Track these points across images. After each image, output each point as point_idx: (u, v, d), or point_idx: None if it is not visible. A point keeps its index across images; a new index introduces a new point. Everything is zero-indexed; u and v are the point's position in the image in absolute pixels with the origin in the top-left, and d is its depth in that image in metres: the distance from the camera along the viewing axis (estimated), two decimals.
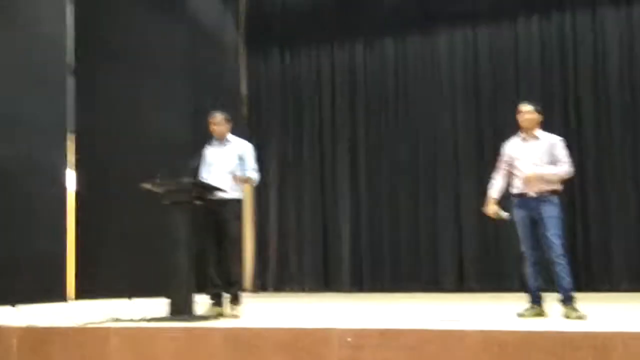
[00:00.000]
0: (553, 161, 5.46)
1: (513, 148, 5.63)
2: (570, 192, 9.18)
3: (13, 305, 7.02)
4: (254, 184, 6.19)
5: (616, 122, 9.63)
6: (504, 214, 5.56)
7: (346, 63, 11.19)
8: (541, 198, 5.39)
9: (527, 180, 5.39)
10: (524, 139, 5.59)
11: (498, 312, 5.97)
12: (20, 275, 7.02)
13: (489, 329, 4.35)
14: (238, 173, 5.98)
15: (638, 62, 9.60)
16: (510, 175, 5.62)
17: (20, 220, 7.21)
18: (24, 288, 7.07)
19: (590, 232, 9.58)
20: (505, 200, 5.63)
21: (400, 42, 10.93)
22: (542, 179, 5.39)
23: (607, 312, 5.75)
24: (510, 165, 5.62)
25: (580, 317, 5.06)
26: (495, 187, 5.68)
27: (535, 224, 5.42)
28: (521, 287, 7.65)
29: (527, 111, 5.55)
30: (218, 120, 6.09)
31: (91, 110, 8.31)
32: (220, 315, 5.74)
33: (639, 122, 9.52)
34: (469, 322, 4.82)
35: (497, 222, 5.83)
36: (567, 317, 5.15)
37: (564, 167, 5.46)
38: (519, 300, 5.83)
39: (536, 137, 5.55)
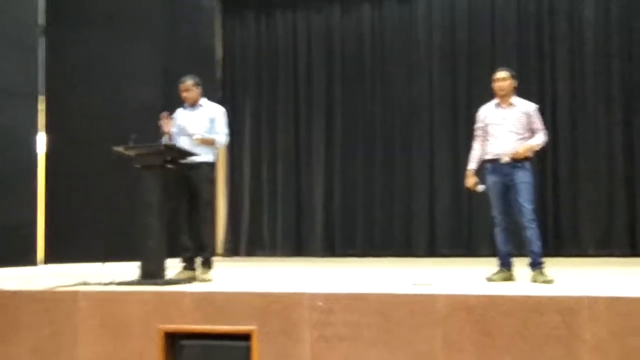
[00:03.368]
0: (528, 129, 5.48)
1: (488, 114, 5.62)
2: (542, 158, 9.24)
3: None
4: (219, 147, 6.11)
5: (590, 88, 9.64)
6: (480, 187, 5.57)
7: (322, 27, 11.06)
8: (514, 164, 5.42)
9: (516, 156, 5.38)
10: (499, 105, 5.58)
11: (468, 276, 6.03)
12: None
13: (457, 293, 4.39)
14: (202, 136, 5.89)
15: (613, 30, 9.60)
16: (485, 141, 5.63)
17: None
18: None
19: (559, 198, 9.66)
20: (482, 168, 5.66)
21: (377, 6, 10.83)
22: (527, 152, 5.41)
23: (574, 277, 5.84)
24: (485, 131, 5.62)
25: (547, 282, 5.14)
26: (474, 158, 5.67)
27: (508, 190, 5.46)
28: (492, 252, 7.76)
29: (502, 77, 5.54)
30: (187, 86, 6.00)
31: (62, 73, 8.16)
32: (191, 279, 5.74)
33: (612, 88, 9.55)
34: (438, 287, 4.87)
35: (474, 193, 5.84)
36: (535, 281, 5.22)
37: (541, 137, 5.50)
38: (489, 265, 5.89)
39: (511, 104, 5.54)
